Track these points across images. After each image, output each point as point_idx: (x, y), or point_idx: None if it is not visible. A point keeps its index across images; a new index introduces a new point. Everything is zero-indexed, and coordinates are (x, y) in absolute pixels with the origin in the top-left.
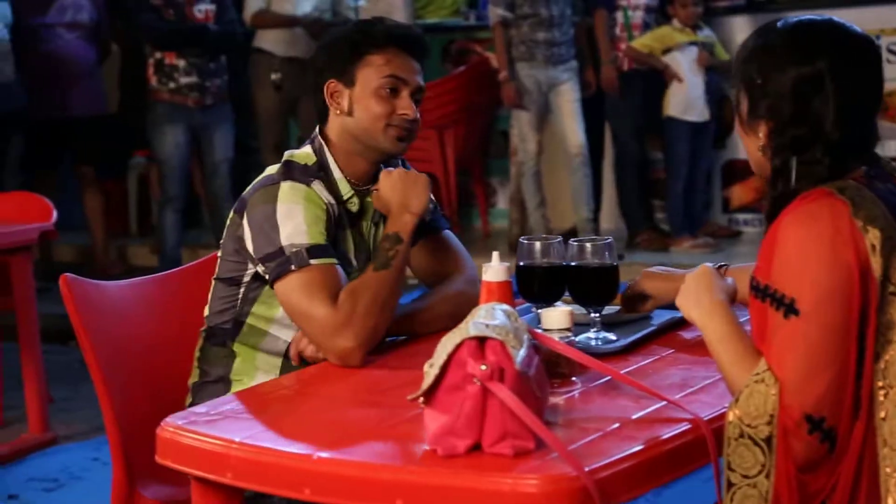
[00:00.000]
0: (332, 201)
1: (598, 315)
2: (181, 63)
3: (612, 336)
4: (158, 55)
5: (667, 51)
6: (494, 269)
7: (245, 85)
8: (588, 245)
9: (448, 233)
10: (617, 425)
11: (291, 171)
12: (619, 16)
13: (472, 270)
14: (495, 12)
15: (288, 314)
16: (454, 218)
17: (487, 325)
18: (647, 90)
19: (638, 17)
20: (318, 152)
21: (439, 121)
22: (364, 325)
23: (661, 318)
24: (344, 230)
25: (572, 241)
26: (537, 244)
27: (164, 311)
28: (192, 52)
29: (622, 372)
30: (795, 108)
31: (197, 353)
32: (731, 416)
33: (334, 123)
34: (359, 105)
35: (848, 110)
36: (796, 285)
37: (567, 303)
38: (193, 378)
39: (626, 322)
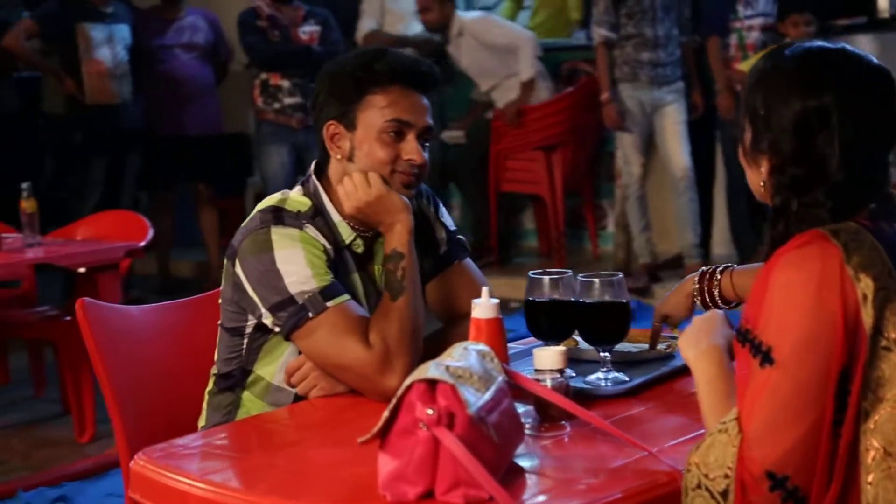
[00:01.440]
0: (329, 245)
1: (607, 354)
2: (285, 84)
3: (623, 377)
4: (263, 76)
5: None
6: (483, 306)
7: None
8: (596, 281)
9: (467, 262)
10: (590, 475)
11: (281, 218)
12: (734, 37)
13: None
14: (599, 32)
15: (317, 364)
16: (561, 240)
17: (448, 368)
18: None
19: (753, 37)
20: (314, 195)
21: (546, 142)
22: (403, 360)
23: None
24: (351, 274)
25: (581, 277)
26: (545, 279)
27: (184, 336)
28: (296, 73)
29: (619, 417)
30: (797, 145)
31: (206, 396)
32: (690, 465)
33: (335, 167)
34: (360, 150)
35: (855, 150)
36: (775, 333)
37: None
38: (202, 421)
39: (643, 361)
